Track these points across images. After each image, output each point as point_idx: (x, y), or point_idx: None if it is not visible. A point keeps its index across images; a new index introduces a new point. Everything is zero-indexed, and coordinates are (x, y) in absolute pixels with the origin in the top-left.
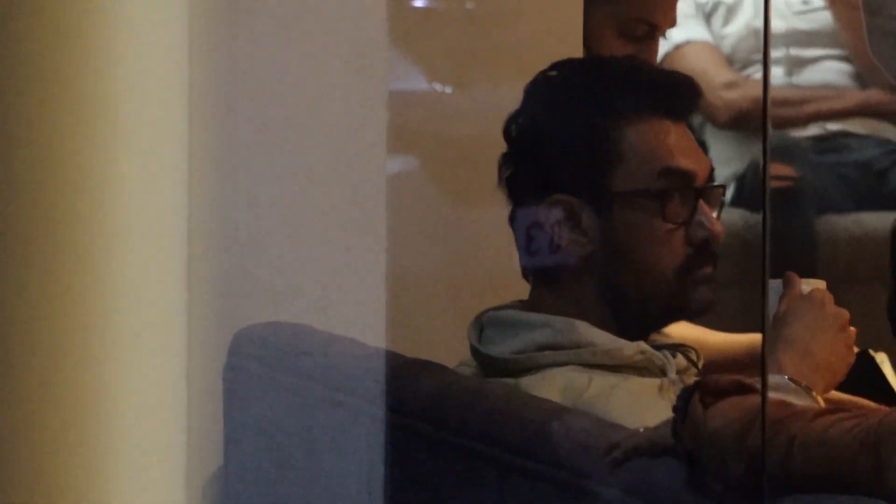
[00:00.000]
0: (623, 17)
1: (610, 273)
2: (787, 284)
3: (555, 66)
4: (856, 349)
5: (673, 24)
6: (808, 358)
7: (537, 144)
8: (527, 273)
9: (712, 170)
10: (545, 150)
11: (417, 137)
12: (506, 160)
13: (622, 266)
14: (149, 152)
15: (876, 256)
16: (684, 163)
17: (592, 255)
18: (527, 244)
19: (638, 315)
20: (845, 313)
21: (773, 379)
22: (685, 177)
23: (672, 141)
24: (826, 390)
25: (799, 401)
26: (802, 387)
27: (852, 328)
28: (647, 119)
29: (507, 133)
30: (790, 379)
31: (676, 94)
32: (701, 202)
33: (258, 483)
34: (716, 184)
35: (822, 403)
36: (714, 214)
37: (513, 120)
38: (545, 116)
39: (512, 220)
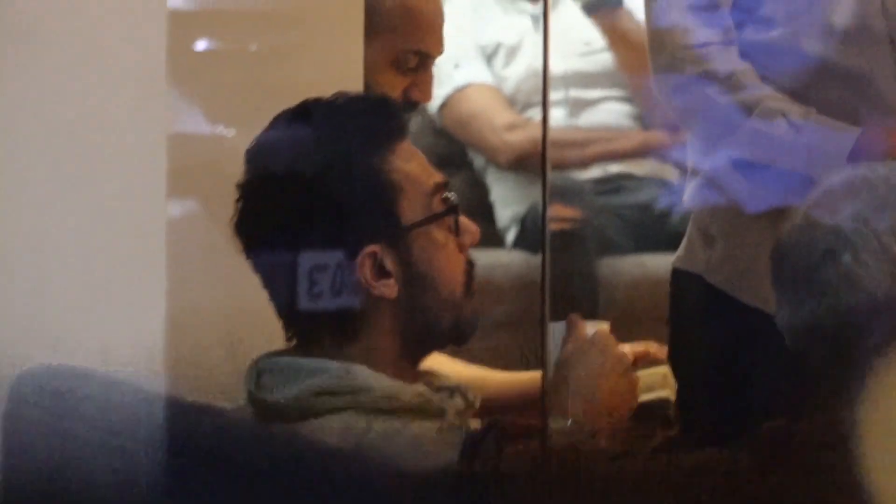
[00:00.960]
0: (396, 49)
1: (412, 303)
2: (570, 327)
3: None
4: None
5: (441, 51)
6: (593, 402)
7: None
8: (292, 317)
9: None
10: (292, 195)
11: (199, 180)
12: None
13: (426, 293)
14: None
15: (656, 297)
16: (437, 176)
17: (398, 292)
18: (307, 288)
19: (422, 338)
20: (628, 356)
21: (557, 423)
22: (444, 189)
23: (421, 159)
24: (609, 433)
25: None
26: (586, 431)
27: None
28: (396, 145)
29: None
30: (575, 423)
31: (393, 114)
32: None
33: None
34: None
35: (605, 445)
36: None
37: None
38: (286, 172)
39: (262, 265)
